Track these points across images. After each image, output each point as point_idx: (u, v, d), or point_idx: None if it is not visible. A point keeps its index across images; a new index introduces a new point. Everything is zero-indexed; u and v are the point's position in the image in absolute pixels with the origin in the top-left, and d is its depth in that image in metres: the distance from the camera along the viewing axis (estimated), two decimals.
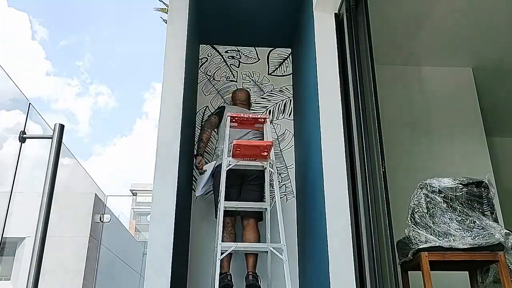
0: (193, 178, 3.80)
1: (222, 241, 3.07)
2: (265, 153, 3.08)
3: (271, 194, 3.26)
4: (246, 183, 3.31)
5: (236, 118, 3.29)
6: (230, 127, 3.30)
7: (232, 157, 3.08)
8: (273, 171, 3.12)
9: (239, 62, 4.29)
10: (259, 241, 3.20)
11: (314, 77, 3.05)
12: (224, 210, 3.02)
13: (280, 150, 3.95)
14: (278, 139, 3.99)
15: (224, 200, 3.01)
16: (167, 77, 2.95)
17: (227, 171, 3.09)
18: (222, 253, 2.79)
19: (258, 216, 3.30)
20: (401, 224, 2.65)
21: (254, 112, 3.92)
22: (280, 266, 2.92)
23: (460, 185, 2.59)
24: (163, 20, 3.92)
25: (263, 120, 3.32)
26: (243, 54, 4.32)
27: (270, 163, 3.13)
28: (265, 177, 3.24)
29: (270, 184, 3.25)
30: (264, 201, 3.21)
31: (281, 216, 2.96)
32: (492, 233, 2.48)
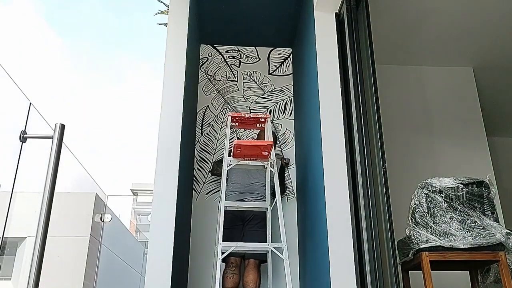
0: (193, 178, 3.80)
1: (223, 282, 3.08)
2: (266, 153, 3.08)
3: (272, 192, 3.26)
4: (247, 224, 3.29)
5: (237, 118, 3.28)
6: (230, 127, 3.29)
7: (233, 157, 3.07)
8: (274, 171, 3.11)
9: (240, 62, 4.29)
10: (259, 285, 3.15)
11: (315, 76, 3.05)
12: (230, 252, 2.93)
13: (281, 149, 3.95)
14: (278, 138, 3.99)
15: (226, 242, 2.97)
16: (168, 77, 2.95)
17: (225, 212, 3.06)
18: (222, 253, 2.80)
19: (261, 257, 3.22)
20: (401, 224, 2.65)
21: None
22: (281, 265, 2.92)
23: (460, 185, 2.59)
24: (163, 24, 3.92)
25: (264, 120, 3.30)
26: (244, 54, 4.32)
27: (271, 162, 3.12)
28: (266, 216, 3.22)
29: (270, 183, 3.24)
30: (267, 242, 3.15)
31: (282, 215, 2.96)
32: (492, 233, 2.48)
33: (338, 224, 2.61)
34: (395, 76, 4.47)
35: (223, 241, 2.87)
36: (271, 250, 3.01)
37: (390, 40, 4.17)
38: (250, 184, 3.37)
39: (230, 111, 4.04)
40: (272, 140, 3.11)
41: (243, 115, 3.29)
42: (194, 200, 3.73)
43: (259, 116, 3.31)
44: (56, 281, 7.09)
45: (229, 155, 3.12)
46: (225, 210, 3.13)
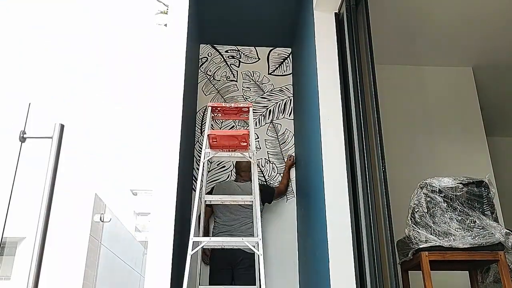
0: (193, 178, 3.80)
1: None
2: (244, 143, 2.87)
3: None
4: (236, 268, 3.22)
5: (219, 108, 3.13)
6: (212, 118, 3.15)
7: (211, 148, 2.90)
8: (253, 162, 2.93)
9: (239, 61, 4.29)
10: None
11: (314, 76, 3.05)
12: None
13: (281, 149, 3.95)
14: (278, 138, 4.00)
15: (214, 285, 3.10)
16: (167, 77, 2.95)
17: (213, 255, 3.19)
18: (193, 249, 2.58)
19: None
20: (401, 224, 2.65)
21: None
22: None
23: (460, 185, 2.59)
24: (163, 25, 3.92)
25: (247, 109, 3.13)
26: (243, 53, 4.32)
27: (250, 154, 2.93)
28: (255, 259, 3.06)
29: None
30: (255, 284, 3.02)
31: (258, 208, 2.78)
32: (492, 233, 2.48)
33: (338, 224, 2.61)
34: (395, 76, 4.47)
35: (211, 284, 3.05)
36: (246, 245, 2.78)
37: (390, 40, 4.17)
38: (235, 219, 3.35)
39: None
40: (249, 130, 2.91)
41: (224, 105, 3.15)
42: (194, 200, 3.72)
43: (241, 105, 3.14)
44: (56, 281, 7.09)
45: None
46: (212, 253, 3.31)
